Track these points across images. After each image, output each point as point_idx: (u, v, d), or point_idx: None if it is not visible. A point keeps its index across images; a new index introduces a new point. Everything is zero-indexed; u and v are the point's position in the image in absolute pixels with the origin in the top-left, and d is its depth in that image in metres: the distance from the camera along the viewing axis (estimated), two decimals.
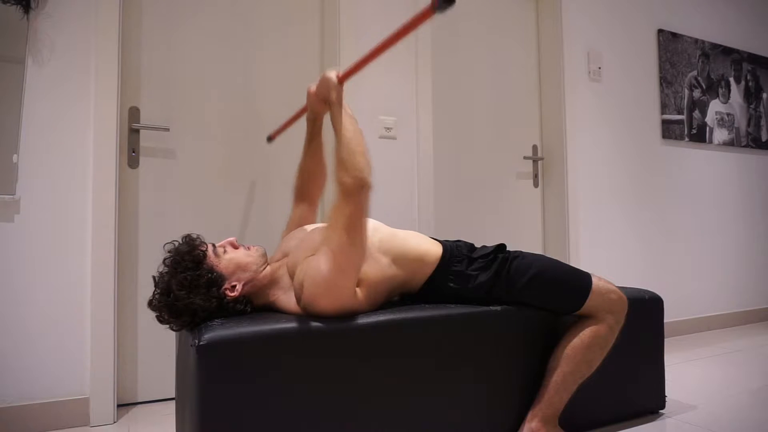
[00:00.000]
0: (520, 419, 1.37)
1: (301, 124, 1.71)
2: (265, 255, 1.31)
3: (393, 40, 1.19)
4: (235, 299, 1.22)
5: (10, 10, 1.62)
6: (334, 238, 1.14)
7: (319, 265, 1.13)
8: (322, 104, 1.37)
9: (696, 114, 3.15)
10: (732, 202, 3.31)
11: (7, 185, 1.60)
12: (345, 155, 1.18)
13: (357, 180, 1.15)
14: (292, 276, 1.26)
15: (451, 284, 1.36)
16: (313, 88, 1.39)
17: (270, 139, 1.88)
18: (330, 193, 2.19)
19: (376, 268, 1.27)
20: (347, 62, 2.16)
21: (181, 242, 1.23)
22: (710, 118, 3.22)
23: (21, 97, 1.64)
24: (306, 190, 1.65)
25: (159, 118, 1.96)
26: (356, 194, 1.15)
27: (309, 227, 1.42)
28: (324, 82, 1.31)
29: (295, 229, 1.53)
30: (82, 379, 1.67)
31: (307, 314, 1.18)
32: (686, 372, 2.15)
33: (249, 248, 1.29)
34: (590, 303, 1.36)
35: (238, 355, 1.05)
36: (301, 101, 2.23)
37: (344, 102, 1.28)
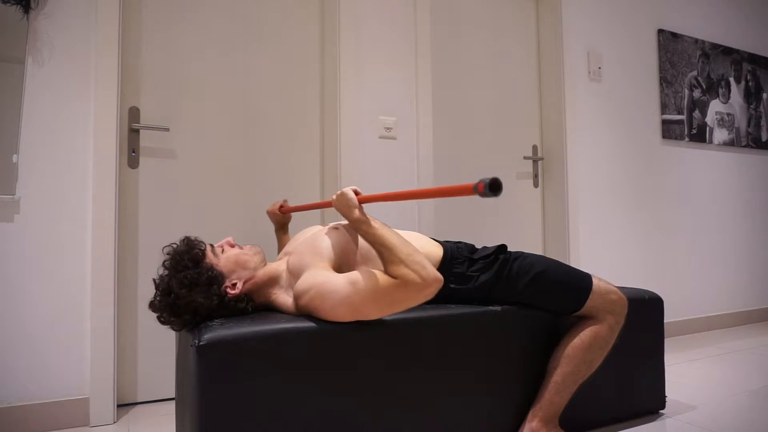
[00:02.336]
0: (521, 419, 1.37)
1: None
2: (262, 253, 1.31)
3: (426, 194, 1.18)
4: (237, 297, 1.22)
5: (10, 10, 1.62)
6: (358, 289, 1.09)
7: (336, 301, 1.11)
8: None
9: (696, 114, 3.15)
10: (732, 202, 3.31)
11: (7, 185, 1.60)
12: (403, 257, 1.12)
13: (426, 280, 1.10)
14: (293, 274, 1.26)
15: (452, 285, 1.36)
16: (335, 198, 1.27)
17: (281, 209, 1.74)
18: (325, 187, 2.19)
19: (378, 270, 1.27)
20: (347, 62, 2.16)
21: (179, 244, 1.23)
22: (710, 118, 3.22)
23: (21, 97, 1.64)
24: None
25: (159, 118, 1.96)
26: (419, 289, 1.10)
27: (313, 228, 1.42)
28: (343, 200, 1.22)
29: None
30: (82, 379, 1.67)
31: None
32: (686, 372, 2.15)
33: (243, 248, 1.29)
34: (590, 303, 1.37)
35: (238, 355, 1.05)
36: (301, 101, 2.23)
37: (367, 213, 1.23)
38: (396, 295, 1.10)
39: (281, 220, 1.74)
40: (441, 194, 1.17)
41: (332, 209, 2.18)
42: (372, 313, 1.12)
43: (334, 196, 1.25)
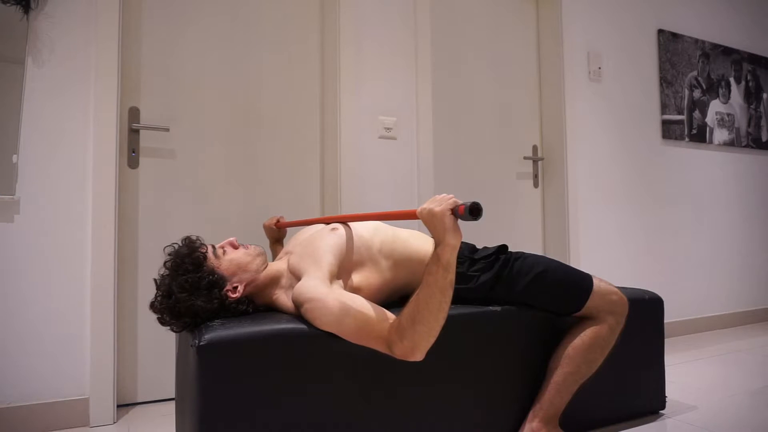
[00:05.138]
0: (521, 419, 1.37)
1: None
2: (264, 254, 1.31)
3: (365, 218, 1.18)
4: (237, 300, 1.22)
5: (10, 10, 1.62)
6: (346, 326, 1.09)
7: (327, 318, 1.10)
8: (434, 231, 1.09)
9: (696, 114, 3.15)
10: (732, 202, 3.31)
11: (7, 185, 1.60)
12: (416, 317, 1.05)
13: (405, 354, 1.06)
14: (293, 274, 1.26)
15: None
16: (426, 207, 1.08)
17: (278, 224, 1.72)
18: (325, 187, 2.19)
19: (376, 272, 1.27)
20: (347, 62, 2.16)
21: (181, 245, 1.23)
22: (710, 119, 3.22)
23: (21, 97, 1.64)
24: None
25: (159, 118, 1.96)
26: (393, 354, 1.08)
27: (314, 228, 1.42)
28: (444, 220, 1.04)
29: None
30: (82, 379, 1.67)
31: None
32: (686, 372, 2.15)
33: (248, 248, 1.29)
34: (591, 304, 1.36)
35: (238, 355, 1.05)
36: (301, 101, 2.23)
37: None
38: (374, 343, 1.09)
39: (276, 235, 1.74)
40: (381, 217, 1.16)
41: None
42: (351, 339, 1.11)
43: (427, 208, 1.07)
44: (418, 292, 1.07)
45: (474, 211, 1.00)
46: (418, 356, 1.07)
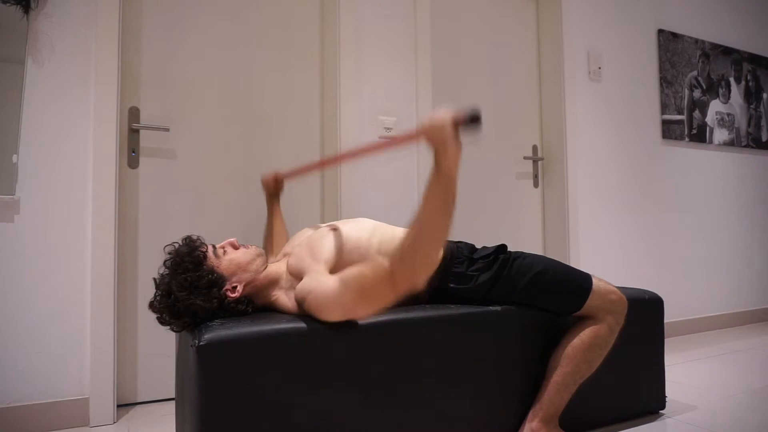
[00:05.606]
0: (521, 419, 1.37)
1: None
2: (263, 254, 1.31)
3: (368, 150, 1.14)
4: (236, 300, 1.22)
5: (10, 10, 1.62)
6: (347, 295, 1.06)
7: (326, 300, 1.09)
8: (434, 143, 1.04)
9: (696, 114, 3.15)
10: (732, 202, 3.31)
11: (7, 185, 1.60)
12: (423, 233, 1.01)
13: (409, 281, 1.02)
14: (293, 275, 1.26)
15: (452, 285, 1.36)
16: (426, 121, 1.05)
17: (277, 177, 1.74)
18: (325, 187, 2.19)
19: (372, 258, 1.27)
20: (347, 62, 2.16)
21: (181, 244, 1.23)
22: (710, 118, 3.22)
23: (21, 97, 1.64)
24: (272, 250, 1.68)
25: (159, 118, 1.96)
26: (398, 287, 1.02)
27: (312, 229, 1.42)
28: (444, 132, 1.01)
29: None
30: (82, 379, 1.67)
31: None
32: (686, 372, 2.15)
33: (248, 248, 1.29)
34: (590, 303, 1.36)
35: (238, 355, 1.05)
36: (301, 101, 2.23)
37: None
38: (380, 292, 1.04)
39: (274, 190, 1.74)
40: (387, 147, 1.12)
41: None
42: (359, 311, 1.08)
43: (427, 122, 1.02)
44: (418, 210, 1.02)
45: (474, 119, 0.96)
46: (420, 281, 1.03)
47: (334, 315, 1.10)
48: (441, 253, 1.31)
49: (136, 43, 1.93)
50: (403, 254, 1.02)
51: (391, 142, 1.17)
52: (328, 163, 1.37)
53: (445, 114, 1.01)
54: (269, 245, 1.70)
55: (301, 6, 2.25)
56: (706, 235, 3.17)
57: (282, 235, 1.72)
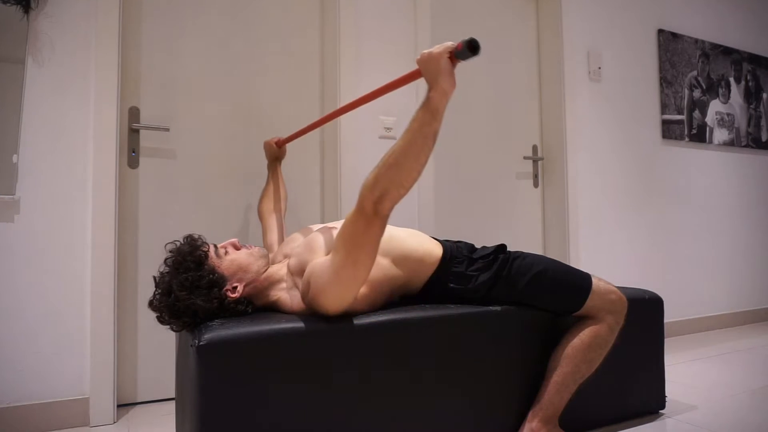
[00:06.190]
0: (521, 419, 1.37)
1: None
2: (266, 256, 1.31)
3: (369, 97, 1.16)
4: (236, 300, 1.22)
5: (10, 10, 1.62)
6: (338, 255, 1.07)
7: (324, 271, 1.11)
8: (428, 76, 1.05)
9: (696, 114, 3.15)
10: (732, 202, 3.31)
11: (7, 185, 1.60)
12: (390, 161, 1.01)
13: (374, 204, 1.02)
14: (295, 274, 1.26)
15: (452, 285, 1.36)
16: (425, 51, 1.06)
17: (278, 142, 1.80)
18: (325, 187, 2.19)
19: (378, 269, 1.27)
20: (347, 62, 2.16)
21: (182, 242, 1.23)
22: (710, 118, 3.22)
23: (21, 97, 1.64)
24: (273, 211, 1.73)
25: (159, 118, 1.96)
26: (368, 218, 1.03)
27: (312, 228, 1.42)
28: (438, 65, 1.02)
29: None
30: (82, 379, 1.67)
31: (309, 312, 1.18)
32: (686, 372, 2.15)
33: (251, 248, 1.29)
34: (590, 303, 1.36)
35: (238, 355, 1.05)
36: (301, 100, 2.23)
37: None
38: (360, 227, 1.04)
39: (276, 154, 1.79)
40: (387, 89, 1.12)
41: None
42: (351, 269, 1.07)
43: (425, 55, 1.02)
44: (400, 137, 1.03)
45: (472, 47, 0.96)
46: (386, 206, 1.02)
47: (335, 292, 1.10)
48: (410, 189, 1.13)
49: (136, 43, 1.93)
50: (376, 178, 1.02)
51: (391, 84, 1.16)
52: (330, 117, 1.37)
53: (442, 48, 1.01)
54: (267, 201, 1.75)
55: (301, 6, 2.25)
56: (706, 235, 3.17)
57: (281, 191, 1.78)
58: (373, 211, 1.04)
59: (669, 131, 3.03)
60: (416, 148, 1.03)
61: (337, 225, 1.34)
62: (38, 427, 1.60)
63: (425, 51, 1.04)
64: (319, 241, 1.26)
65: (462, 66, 2.82)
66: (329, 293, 1.11)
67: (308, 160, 2.24)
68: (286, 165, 2.18)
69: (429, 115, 1.02)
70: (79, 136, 1.72)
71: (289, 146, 2.19)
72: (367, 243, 1.07)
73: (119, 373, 1.82)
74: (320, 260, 1.15)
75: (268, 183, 1.82)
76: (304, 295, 1.18)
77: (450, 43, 1.02)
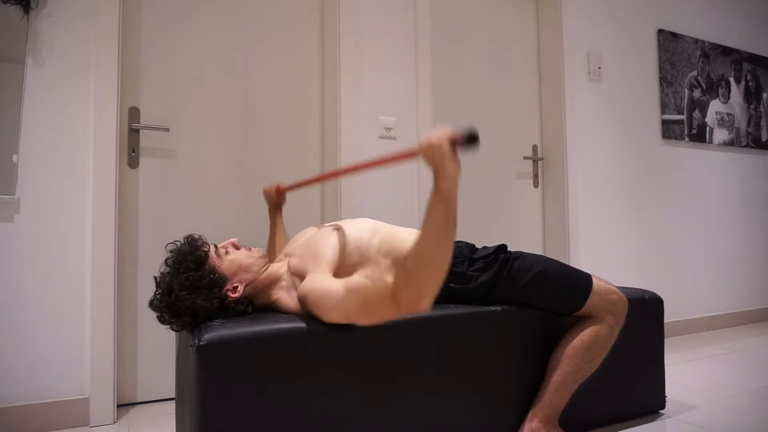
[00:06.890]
0: (521, 419, 1.37)
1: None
2: (266, 256, 1.31)
3: (365, 167, 1.15)
4: (237, 300, 1.22)
5: (10, 10, 1.62)
6: (351, 300, 1.05)
7: (330, 301, 1.09)
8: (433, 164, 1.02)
9: (696, 114, 3.15)
10: (732, 202, 3.31)
11: (7, 185, 1.60)
12: (418, 259, 0.99)
13: (414, 304, 0.99)
14: (295, 275, 1.26)
15: (452, 285, 1.36)
16: (424, 138, 1.03)
17: (278, 189, 1.73)
18: (325, 187, 2.19)
19: (377, 270, 1.27)
20: (347, 62, 2.16)
21: (183, 242, 1.23)
22: (710, 118, 3.22)
23: (21, 97, 1.64)
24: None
25: (159, 118, 1.96)
26: (399, 309, 1.01)
27: (312, 229, 1.42)
28: (441, 151, 0.99)
29: None
30: (82, 379, 1.67)
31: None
32: (686, 372, 2.15)
33: (250, 249, 1.29)
34: (590, 303, 1.36)
35: (238, 355, 1.05)
36: (301, 101, 2.23)
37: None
38: (383, 306, 1.03)
39: (276, 201, 1.74)
40: (385, 163, 1.12)
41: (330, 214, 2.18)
42: (360, 320, 1.09)
43: (425, 142, 1.01)
44: (420, 232, 1.02)
45: (471, 139, 0.96)
46: (425, 304, 1.00)
47: (334, 317, 1.11)
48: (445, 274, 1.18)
49: (136, 43, 1.93)
50: (408, 278, 1.00)
51: (389, 158, 1.16)
52: (328, 176, 1.38)
53: (442, 133, 1.00)
54: (272, 257, 1.69)
55: (301, 6, 2.25)
56: (706, 235, 3.17)
57: (279, 242, 1.72)
58: (413, 309, 1.01)
59: (669, 131, 3.03)
60: (440, 238, 1.00)
61: (338, 224, 1.34)
62: (38, 427, 1.60)
63: (424, 138, 1.02)
64: (322, 244, 1.25)
65: (462, 66, 2.79)
66: (333, 317, 1.10)
67: (308, 160, 2.24)
68: (286, 165, 2.18)
69: (443, 206, 0.99)
70: (79, 136, 1.71)
71: (289, 146, 2.19)
72: (384, 315, 1.05)
73: (119, 373, 1.82)
74: (325, 286, 1.11)
75: (271, 235, 1.74)
76: (302, 303, 1.18)
77: (448, 129, 1.01)
